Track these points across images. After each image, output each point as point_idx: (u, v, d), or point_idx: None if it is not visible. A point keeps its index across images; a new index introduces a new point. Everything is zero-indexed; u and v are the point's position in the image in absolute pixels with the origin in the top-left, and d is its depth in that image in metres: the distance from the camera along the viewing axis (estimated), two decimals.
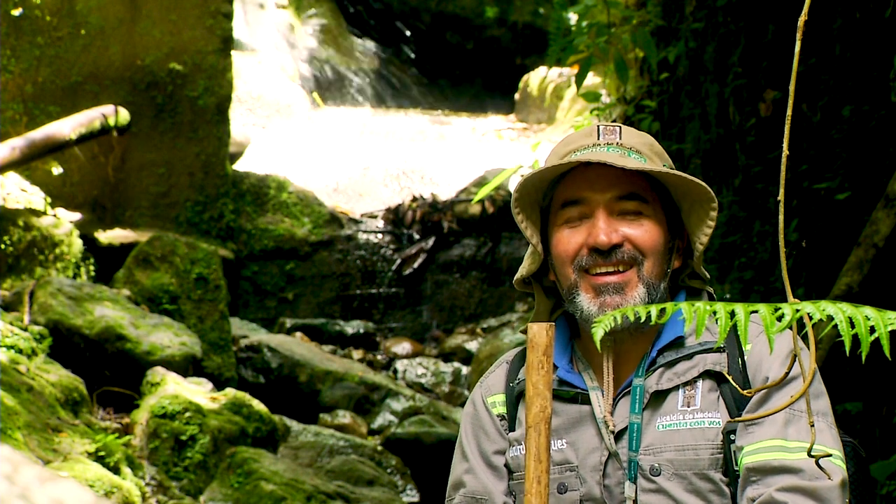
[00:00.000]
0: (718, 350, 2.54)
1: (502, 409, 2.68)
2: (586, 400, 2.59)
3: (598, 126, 2.65)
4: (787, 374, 1.96)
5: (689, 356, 2.55)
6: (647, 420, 2.53)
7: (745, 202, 6.38)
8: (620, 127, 2.65)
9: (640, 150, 2.61)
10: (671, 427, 2.51)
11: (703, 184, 2.57)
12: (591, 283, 2.57)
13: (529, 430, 2.21)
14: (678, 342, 2.57)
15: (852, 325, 1.72)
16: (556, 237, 2.62)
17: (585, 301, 2.57)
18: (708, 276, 2.70)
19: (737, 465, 2.47)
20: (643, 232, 2.57)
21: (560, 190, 2.62)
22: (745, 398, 2.49)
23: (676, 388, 2.53)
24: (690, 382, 2.53)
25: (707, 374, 2.53)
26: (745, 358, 2.53)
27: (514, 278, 2.74)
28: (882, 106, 5.14)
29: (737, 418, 2.47)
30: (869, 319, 1.72)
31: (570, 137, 2.68)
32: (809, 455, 2.01)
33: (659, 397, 2.54)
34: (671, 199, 2.63)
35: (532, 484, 2.21)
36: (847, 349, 1.73)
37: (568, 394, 2.61)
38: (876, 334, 1.72)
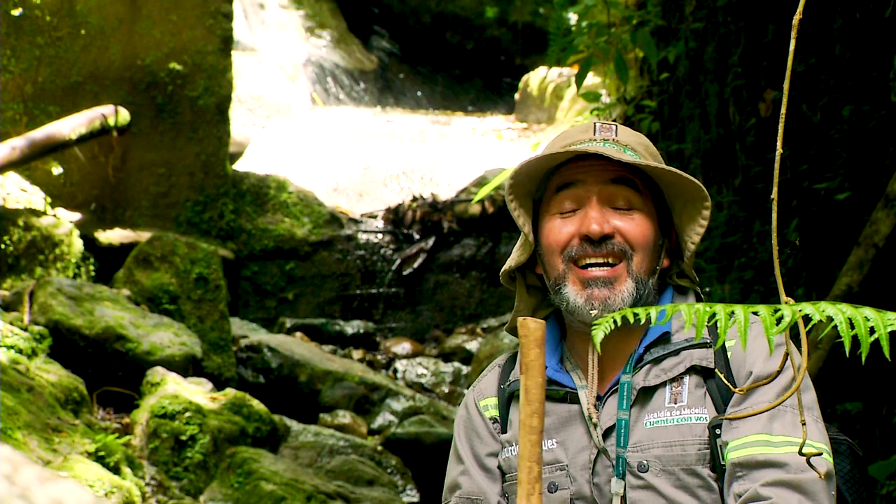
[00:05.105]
0: (704, 345, 2.55)
1: (494, 412, 2.69)
2: (575, 399, 2.60)
3: (595, 123, 2.67)
4: (780, 371, 1.96)
5: (676, 352, 2.56)
6: (635, 417, 2.53)
7: (745, 202, 6.38)
8: (617, 125, 2.67)
9: (636, 149, 2.62)
10: (658, 424, 2.52)
11: (697, 181, 2.57)
12: (580, 275, 2.58)
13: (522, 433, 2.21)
14: (665, 338, 2.58)
15: (852, 326, 1.71)
16: (548, 226, 2.62)
17: (572, 293, 2.58)
18: (697, 278, 2.71)
19: (723, 460, 2.47)
20: (634, 226, 2.58)
21: (554, 179, 2.63)
22: (732, 393, 2.49)
23: (664, 384, 2.54)
24: (677, 378, 2.54)
25: (693, 370, 2.54)
26: (729, 354, 2.53)
27: (502, 270, 2.74)
28: (882, 106, 5.14)
29: (725, 415, 2.48)
30: (868, 320, 1.72)
31: (567, 132, 2.69)
32: (800, 453, 2.01)
33: (646, 394, 2.55)
34: (663, 199, 2.64)
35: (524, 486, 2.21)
36: (847, 350, 1.73)
37: (557, 393, 2.61)
38: (876, 335, 1.72)
